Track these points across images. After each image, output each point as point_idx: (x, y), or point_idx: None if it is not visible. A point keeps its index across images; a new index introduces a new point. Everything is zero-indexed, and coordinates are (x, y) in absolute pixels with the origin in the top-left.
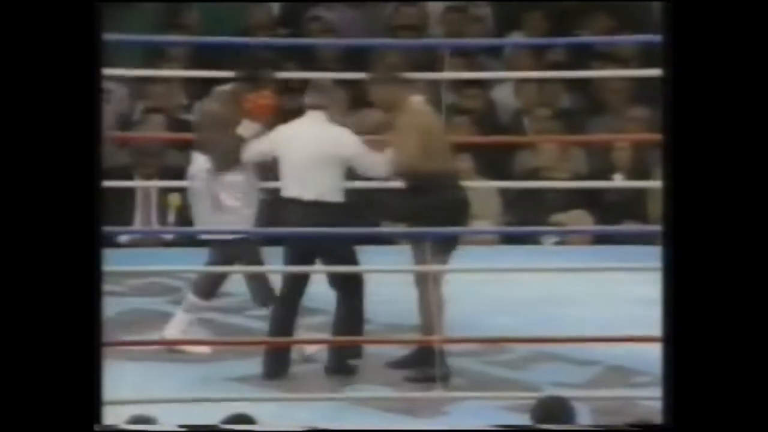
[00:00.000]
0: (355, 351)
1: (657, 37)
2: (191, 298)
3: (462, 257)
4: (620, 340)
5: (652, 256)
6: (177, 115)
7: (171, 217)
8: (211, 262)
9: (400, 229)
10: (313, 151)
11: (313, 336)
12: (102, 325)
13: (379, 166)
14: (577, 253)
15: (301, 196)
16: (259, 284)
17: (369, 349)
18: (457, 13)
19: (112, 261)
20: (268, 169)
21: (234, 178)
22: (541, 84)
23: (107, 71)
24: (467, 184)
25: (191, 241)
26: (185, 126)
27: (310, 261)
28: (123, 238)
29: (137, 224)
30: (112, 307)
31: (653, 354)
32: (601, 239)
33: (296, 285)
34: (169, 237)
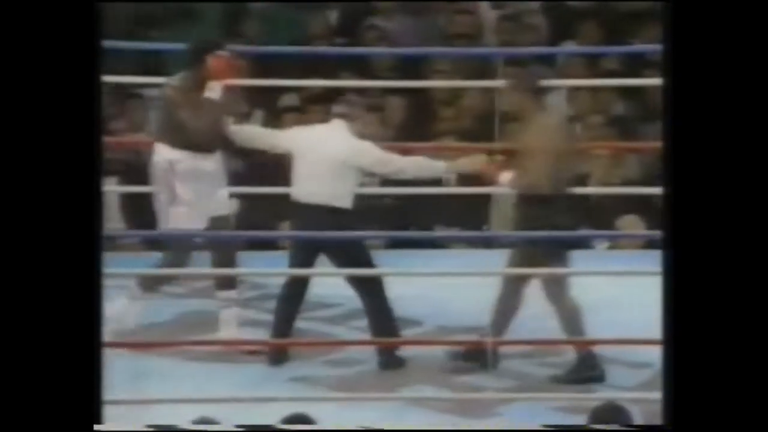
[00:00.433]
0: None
1: None
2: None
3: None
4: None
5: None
6: (237, 122)
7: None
8: (165, 262)
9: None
10: (331, 157)
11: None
12: (102, 325)
13: (410, 168)
14: (628, 258)
15: (312, 200)
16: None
17: (423, 350)
18: (511, 22)
19: (175, 264)
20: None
21: (194, 167)
22: (594, 92)
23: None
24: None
25: (248, 245)
26: None
27: (312, 262)
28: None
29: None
30: (173, 308)
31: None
32: (652, 243)
33: (299, 285)
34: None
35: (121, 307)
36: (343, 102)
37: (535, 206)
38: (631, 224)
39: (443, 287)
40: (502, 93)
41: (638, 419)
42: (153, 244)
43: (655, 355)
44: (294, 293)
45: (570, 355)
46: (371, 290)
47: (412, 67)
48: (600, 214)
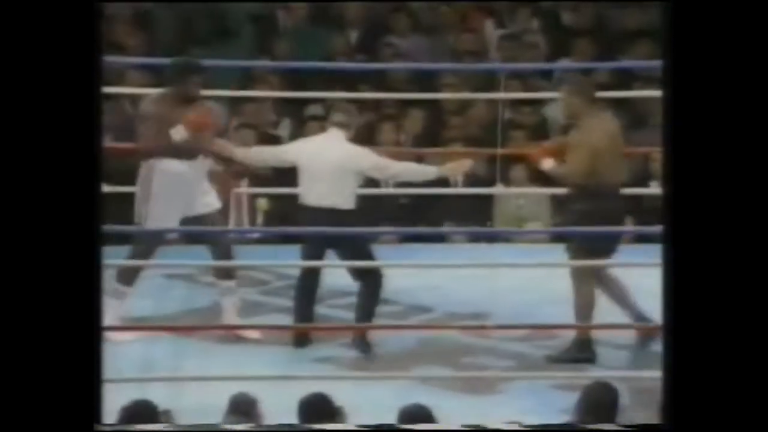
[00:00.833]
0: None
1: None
2: (115, 285)
3: (516, 255)
4: (591, 327)
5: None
6: (267, 130)
7: (260, 218)
8: (133, 255)
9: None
10: (332, 164)
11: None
12: (102, 326)
13: (404, 173)
14: (620, 252)
15: (319, 203)
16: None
17: (432, 334)
18: (512, 41)
19: (208, 257)
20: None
21: (166, 167)
22: None
23: (207, 92)
24: (523, 191)
25: (278, 239)
26: (274, 139)
27: (322, 257)
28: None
29: (231, 224)
30: (210, 297)
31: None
32: (641, 239)
33: (313, 277)
34: (256, 236)
35: (113, 301)
36: (339, 111)
37: (591, 200)
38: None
39: (451, 278)
40: (562, 98)
41: (624, 395)
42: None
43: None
44: (308, 284)
45: (567, 338)
46: (370, 283)
47: (424, 80)
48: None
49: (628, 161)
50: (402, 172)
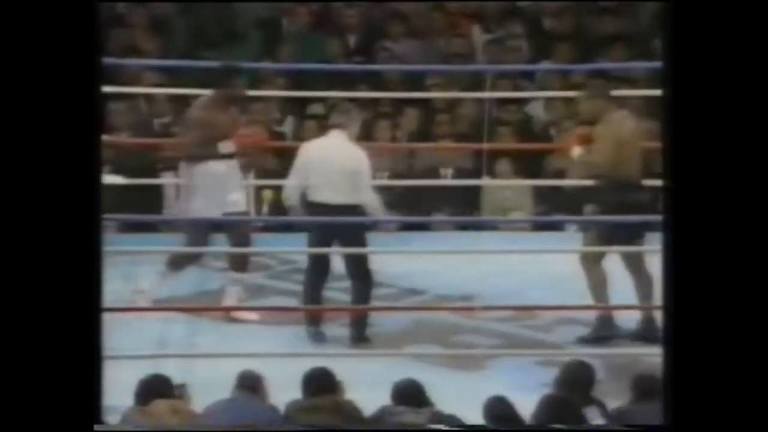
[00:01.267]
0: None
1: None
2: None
3: (501, 242)
4: (631, 308)
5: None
6: (272, 126)
7: (265, 208)
8: (187, 243)
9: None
10: (338, 164)
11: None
12: (102, 328)
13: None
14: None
15: (327, 200)
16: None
17: (424, 315)
18: (497, 44)
19: (219, 243)
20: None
21: (208, 168)
22: (566, 101)
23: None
24: (508, 183)
25: (282, 227)
26: (280, 136)
27: (329, 245)
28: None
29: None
30: (219, 280)
31: (657, 320)
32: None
33: (320, 265)
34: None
35: (152, 282)
36: (338, 112)
37: (611, 190)
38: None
39: (442, 263)
40: (585, 99)
41: (600, 371)
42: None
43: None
44: (316, 270)
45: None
46: (363, 272)
47: (417, 81)
48: (572, 202)
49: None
50: (372, 196)
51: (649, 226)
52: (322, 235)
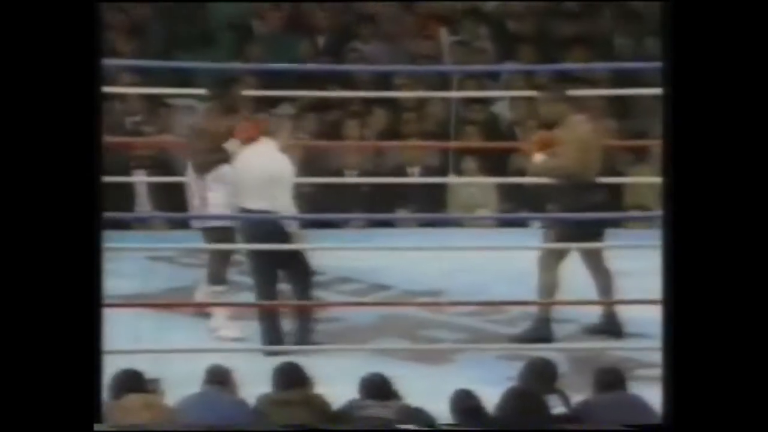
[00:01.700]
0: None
1: (623, 64)
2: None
3: (467, 238)
4: (593, 303)
5: (621, 237)
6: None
7: None
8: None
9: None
10: (260, 171)
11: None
12: (103, 328)
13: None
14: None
15: (251, 206)
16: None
17: (391, 310)
18: (463, 46)
19: (190, 240)
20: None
21: (220, 174)
22: (530, 101)
23: (188, 90)
24: (473, 181)
25: None
26: None
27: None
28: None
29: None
30: (190, 275)
31: (623, 314)
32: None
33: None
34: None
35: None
36: (271, 120)
37: (573, 190)
38: None
39: (409, 259)
40: (539, 101)
41: (563, 365)
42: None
43: (577, 313)
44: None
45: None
46: (299, 271)
47: (385, 81)
48: (536, 200)
49: None
50: (287, 204)
51: (607, 224)
52: (252, 239)
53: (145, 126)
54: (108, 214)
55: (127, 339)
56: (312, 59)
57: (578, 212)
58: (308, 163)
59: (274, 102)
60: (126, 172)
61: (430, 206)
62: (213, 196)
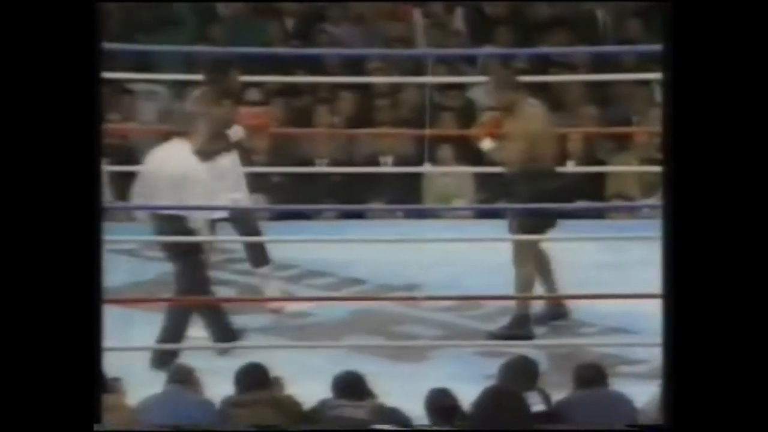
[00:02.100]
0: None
1: (602, 49)
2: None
3: (443, 230)
4: (568, 297)
5: (600, 228)
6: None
7: None
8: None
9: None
10: (167, 173)
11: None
12: (103, 328)
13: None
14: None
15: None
16: (254, 250)
17: (364, 305)
18: (438, 28)
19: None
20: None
21: (216, 164)
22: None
23: (153, 76)
24: (449, 170)
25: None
26: None
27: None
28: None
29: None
30: (156, 269)
31: (600, 309)
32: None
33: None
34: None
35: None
36: (179, 120)
37: (525, 178)
38: None
39: (383, 252)
40: (488, 87)
41: (543, 362)
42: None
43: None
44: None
45: (491, 308)
46: (188, 270)
47: (356, 66)
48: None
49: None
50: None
51: (563, 214)
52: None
53: (105, 113)
54: (134, 205)
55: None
56: (280, 42)
57: (532, 201)
58: (276, 152)
59: (240, 88)
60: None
61: (404, 196)
62: (206, 188)
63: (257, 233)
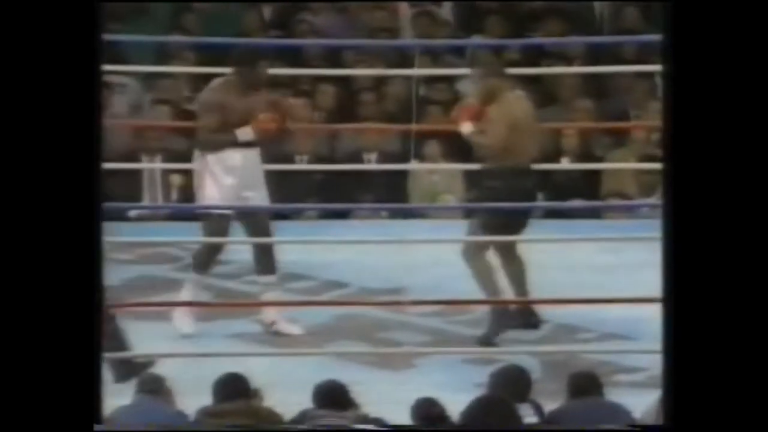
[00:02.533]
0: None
1: (599, 39)
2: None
3: (430, 230)
4: (564, 302)
5: (597, 228)
6: (181, 105)
7: (174, 195)
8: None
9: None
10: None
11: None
12: (103, 328)
13: None
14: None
15: None
16: (262, 253)
17: (347, 310)
18: (425, 18)
19: (123, 233)
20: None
21: (224, 157)
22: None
23: (122, 68)
24: (436, 167)
25: (192, 215)
26: (189, 115)
27: None
28: (132, 213)
29: (145, 201)
30: (122, 273)
31: (597, 314)
32: (550, 214)
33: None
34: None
35: (187, 290)
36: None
37: (504, 177)
38: None
39: (366, 253)
40: (477, 79)
41: (536, 370)
42: None
43: (551, 313)
44: None
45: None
46: None
47: (338, 57)
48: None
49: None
50: None
51: (536, 214)
52: None
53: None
54: (138, 205)
55: None
56: (257, 32)
57: (504, 199)
58: None
59: (213, 78)
60: None
61: (390, 195)
62: (210, 181)
63: (267, 236)
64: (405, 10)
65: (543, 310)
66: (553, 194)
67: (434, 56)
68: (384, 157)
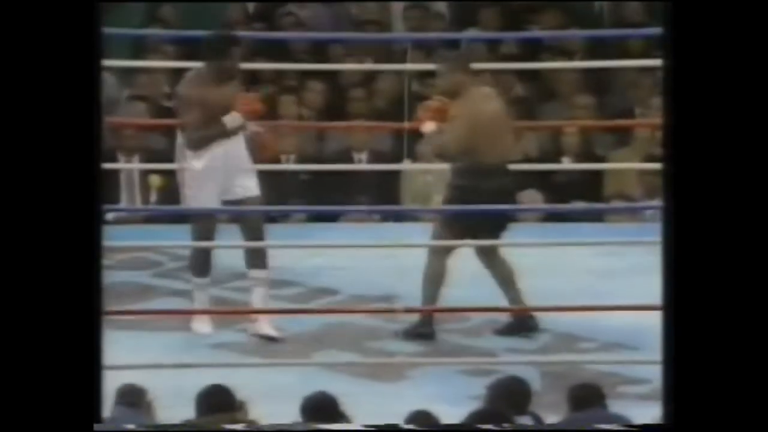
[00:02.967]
0: None
1: (600, 32)
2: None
3: (423, 234)
4: (565, 309)
5: (599, 232)
6: (160, 102)
7: (153, 197)
8: (195, 239)
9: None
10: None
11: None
12: (103, 327)
13: None
14: (528, 230)
15: None
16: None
17: (336, 318)
18: (417, 10)
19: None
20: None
21: (213, 152)
22: (494, 74)
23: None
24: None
25: (171, 218)
26: (167, 112)
27: None
28: (109, 216)
29: (122, 203)
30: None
31: (599, 322)
32: (550, 217)
33: None
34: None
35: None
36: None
37: (470, 177)
38: (531, 198)
39: (357, 258)
40: (439, 72)
41: (535, 380)
42: None
43: (551, 321)
44: None
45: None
46: None
47: (325, 51)
48: None
49: (533, 136)
50: None
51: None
52: None
53: None
54: (136, 208)
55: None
56: (240, 25)
57: (472, 200)
58: None
59: None
60: None
61: (381, 197)
62: (197, 179)
63: (259, 230)
64: (396, 2)
65: (542, 318)
66: (552, 196)
67: (427, 50)
68: (375, 157)
